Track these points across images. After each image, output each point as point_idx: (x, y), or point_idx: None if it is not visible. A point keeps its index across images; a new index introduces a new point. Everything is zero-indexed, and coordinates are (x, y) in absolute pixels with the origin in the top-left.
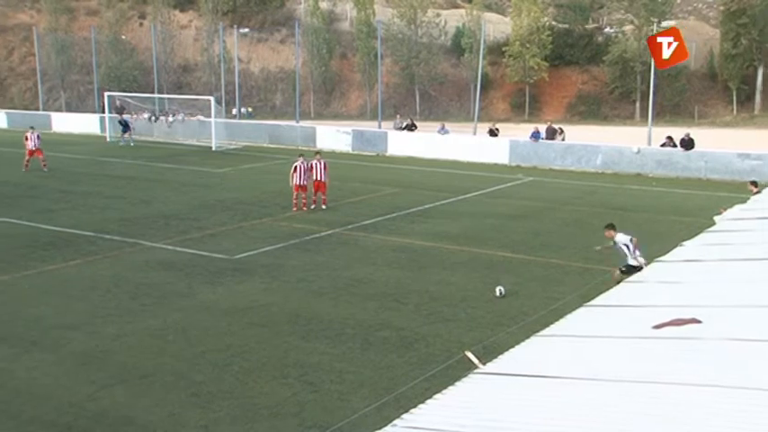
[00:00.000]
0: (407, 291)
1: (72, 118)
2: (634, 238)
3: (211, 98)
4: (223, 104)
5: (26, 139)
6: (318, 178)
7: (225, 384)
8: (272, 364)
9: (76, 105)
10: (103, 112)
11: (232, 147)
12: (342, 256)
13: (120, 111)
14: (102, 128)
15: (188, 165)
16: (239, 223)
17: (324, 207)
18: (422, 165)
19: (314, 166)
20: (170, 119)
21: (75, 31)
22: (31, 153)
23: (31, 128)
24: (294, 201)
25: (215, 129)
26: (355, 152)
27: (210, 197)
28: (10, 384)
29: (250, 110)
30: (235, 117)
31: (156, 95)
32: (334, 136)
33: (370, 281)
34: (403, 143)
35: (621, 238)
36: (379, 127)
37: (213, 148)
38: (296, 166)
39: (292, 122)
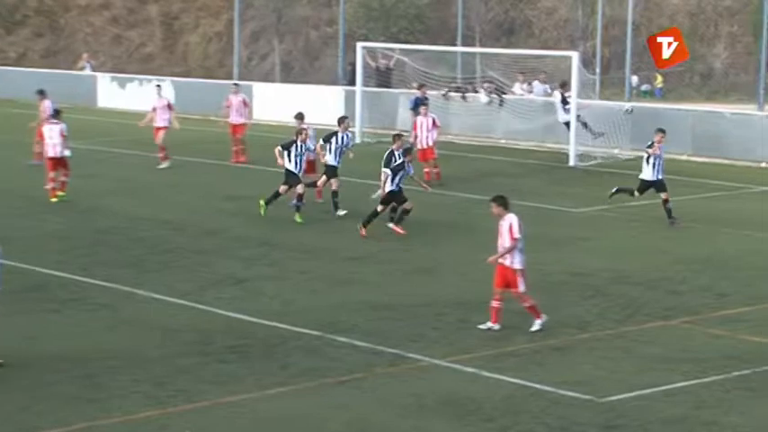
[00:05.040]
0: None
1: (291, 94)
2: None
3: (573, 54)
4: (598, 68)
5: (227, 105)
6: None
7: None
8: None
9: (301, 68)
10: (352, 82)
11: (614, 157)
12: None
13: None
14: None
15: (519, 195)
16: (619, 325)
17: None
18: None
19: None
20: (484, 97)
21: None
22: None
23: (235, 84)
24: None
25: (576, 121)
26: None
27: (561, 266)
28: None
29: (659, 84)
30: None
31: (458, 48)
32: None
33: None
34: None
35: None
36: None
37: (571, 163)
38: None
39: (750, 108)
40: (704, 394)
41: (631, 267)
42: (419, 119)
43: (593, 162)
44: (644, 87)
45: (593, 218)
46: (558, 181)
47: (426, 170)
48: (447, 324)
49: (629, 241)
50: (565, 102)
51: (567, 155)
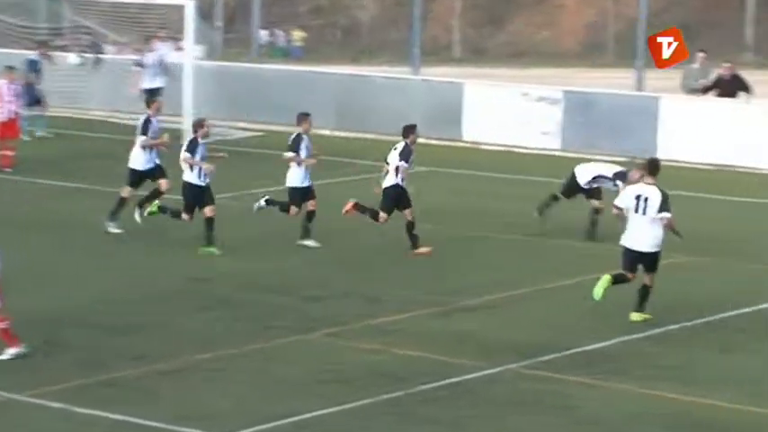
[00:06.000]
0: None
1: None
2: None
3: (187, 3)
4: (220, 21)
5: None
6: None
7: None
8: None
9: None
10: None
11: (234, 135)
12: None
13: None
14: None
15: (118, 183)
16: (248, 342)
17: None
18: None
19: None
20: (74, 57)
21: None
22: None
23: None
24: None
25: (193, 87)
26: (568, 153)
27: (176, 270)
28: None
29: (298, 41)
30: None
31: None
32: (508, 106)
33: None
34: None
35: None
36: (640, 85)
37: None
38: None
39: (403, 71)
40: (346, 423)
41: (263, 269)
42: (2, 84)
43: (212, 139)
44: (281, 43)
45: (217, 209)
46: (175, 164)
47: (3, 152)
48: (28, 347)
49: (258, 237)
50: (140, 64)
51: (181, 131)
